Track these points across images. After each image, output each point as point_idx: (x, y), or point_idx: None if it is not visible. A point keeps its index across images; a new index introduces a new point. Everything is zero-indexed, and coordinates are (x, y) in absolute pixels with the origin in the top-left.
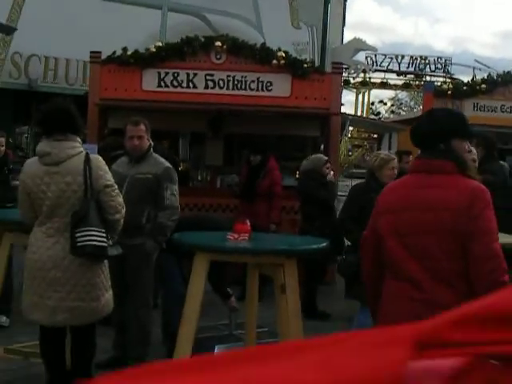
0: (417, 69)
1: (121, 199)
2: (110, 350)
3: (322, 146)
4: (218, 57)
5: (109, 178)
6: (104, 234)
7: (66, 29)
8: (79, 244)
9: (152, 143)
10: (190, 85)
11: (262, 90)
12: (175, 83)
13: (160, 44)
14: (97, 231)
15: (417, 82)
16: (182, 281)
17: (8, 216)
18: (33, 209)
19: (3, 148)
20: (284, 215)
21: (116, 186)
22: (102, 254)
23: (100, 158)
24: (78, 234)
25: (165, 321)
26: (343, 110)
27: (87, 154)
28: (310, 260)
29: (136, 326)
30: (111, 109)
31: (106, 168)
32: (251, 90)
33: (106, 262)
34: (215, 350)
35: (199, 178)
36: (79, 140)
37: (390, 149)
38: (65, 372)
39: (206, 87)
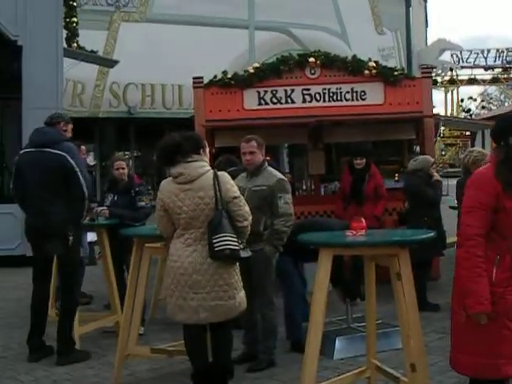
0: (504, 62)
1: (247, 208)
2: (240, 348)
3: (418, 148)
4: (313, 72)
5: (235, 190)
6: (236, 239)
7: (159, 56)
8: (217, 249)
9: (266, 158)
10: (289, 100)
11: (357, 99)
12: (274, 100)
13: (257, 65)
14: (230, 236)
15: (505, 76)
16: (301, 280)
17: (146, 232)
18: (170, 224)
19: (124, 171)
20: (386, 216)
21: (242, 197)
22: (236, 256)
23: (226, 174)
24: (215, 240)
25: (288, 318)
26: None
27: (215, 172)
28: (417, 255)
29: (263, 322)
30: (216, 129)
31: (232, 182)
32: (346, 100)
33: (237, 264)
34: (336, 342)
35: (304, 187)
36: (206, 160)
37: (483, 145)
38: (207, 365)
39: (304, 101)
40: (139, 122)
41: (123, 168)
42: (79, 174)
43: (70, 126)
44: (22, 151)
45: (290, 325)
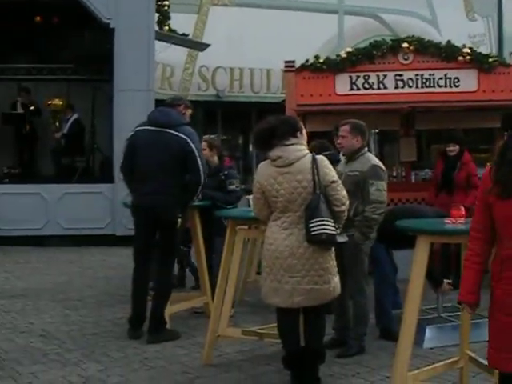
0: None
1: (345, 192)
2: (330, 334)
3: None
4: (406, 57)
5: (333, 174)
6: (333, 224)
7: (247, 40)
8: (313, 233)
9: (366, 144)
10: (381, 86)
11: (450, 86)
12: (366, 85)
13: (350, 49)
14: (327, 221)
15: None
16: (392, 268)
17: (240, 214)
18: (266, 207)
19: (205, 152)
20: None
21: (340, 182)
22: (333, 241)
23: (324, 158)
24: (312, 225)
25: (377, 305)
26: None
27: (313, 156)
28: None
29: (354, 309)
30: (308, 113)
31: (330, 166)
32: (439, 86)
33: (332, 249)
34: (426, 331)
35: (394, 174)
36: (305, 143)
37: None
38: (300, 348)
39: (396, 87)
40: (227, 106)
41: (204, 149)
42: (198, 158)
43: (190, 111)
44: (139, 129)
45: (379, 312)
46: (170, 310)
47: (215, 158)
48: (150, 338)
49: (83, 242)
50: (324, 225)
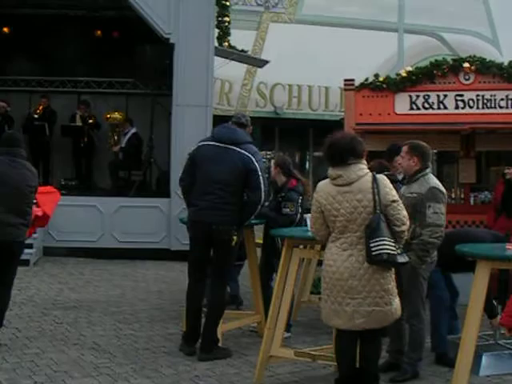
0: None
1: (405, 212)
2: (384, 357)
3: None
4: (467, 77)
5: (394, 193)
6: (394, 244)
7: (306, 57)
8: (374, 253)
9: (427, 166)
10: (441, 106)
11: None
12: (426, 105)
13: (410, 68)
14: (388, 241)
15: None
16: (449, 292)
17: (296, 233)
18: (324, 226)
19: (272, 169)
20: None
21: (400, 201)
22: (394, 261)
23: (385, 177)
24: (373, 244)
25: (433, 330)
26: None
27: (374, 175)
28: None
29: (410, 333)
30: (366, 132)
31: (391, 186)
32: (500, 107)
33: (393, 270)
34: (482, 358)
35: (453, 195)
36: (365, 163)
37: None
38: (355, 370)
39: (456, 107)
40: (284, 123)
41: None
42: (261, 178)
43: (250, 128)
44: (202, 143)
45: (435, 337)
46: (222, 327)
47: (281, 177)
48: (201, 356)
49: (137, 255)
50: (385, 244)
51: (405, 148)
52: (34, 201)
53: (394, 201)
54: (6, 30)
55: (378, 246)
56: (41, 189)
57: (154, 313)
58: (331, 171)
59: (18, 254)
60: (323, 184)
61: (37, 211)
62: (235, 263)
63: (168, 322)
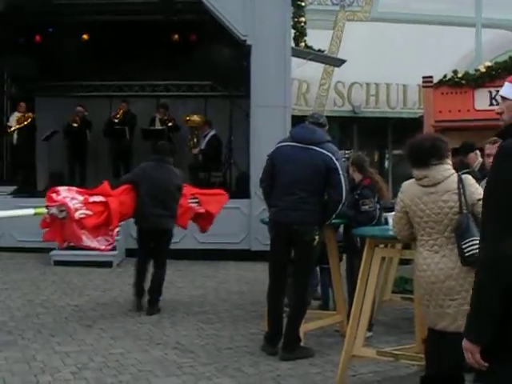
0: None
1: None
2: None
3: None
4: None
5: (480, 192)
6: None
7: (383, 55)
8: (468, 254)
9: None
10: None
11: None
12: None
13: (489, 64)
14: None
15: None
16: None
17: (378, 232)
18: (408, 226)
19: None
20: None
21: None
22: None
23: (470, 176)
24: (465, 245)
25: None
26: None
27: (459, 175)
28: None
29: None
30: (446, 129)
31: (477, 185)
32: None
33: None
34: None
35: None
36: (449, 163)
37: None
38: (443, 371)
39: None
40: (363, 122)
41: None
42: (342, 176)
43: (326, 128)
44: (282, 144)
45: None
46: (304, 327)
47: (357, 175)
48: (283, 355)
49: (218, 256)
50: (476, 244)
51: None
52: (196, 200)
53: (479, 199)
54: (85, 36)
55: (470, 246)
56: (207, 191)
57: (236, 313)
58: (416, 172)
59: (166, 239)
60: (408, 184)
61: (198, 209)
62: (324, 266)
63: (250, 321)
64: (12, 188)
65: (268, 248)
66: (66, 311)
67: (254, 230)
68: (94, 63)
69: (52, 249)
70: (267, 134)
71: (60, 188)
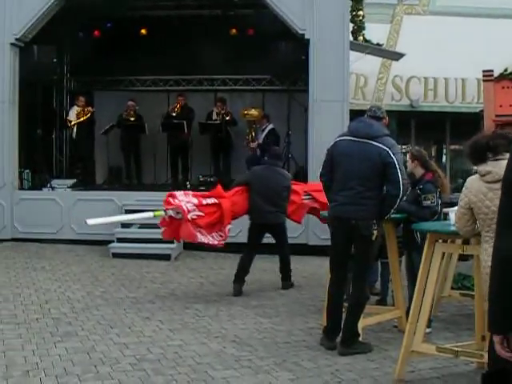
0: None
1: None
2: None
3: None
4: None
5: None
6: None
7: (441, 49)
8: None
9: None
10: None
11: None
12: None
13: None
14: None
15: None
16: None
17: (439, 228)
18: (471, 222)
19: (409, 163)
20: None
21: None
22: None
23: None
24: None
25: None
26: None
27: None
28: None
29: None
30: (506, 124)
31: None
32: None
33: None
34: None
35: None
36: None
37: None
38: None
39: None
40: (420, 116)
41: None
42: (399, 171)
43: (386, 120)
44: (340, 139)
45: None
46: (363, 322)
47: (418, 170)
48: (341, 350)
49: (275, 250)
50: None
51: None
52: (309, 196)
53: None
54: (143, 31)
55: None
56: (314, 185)
57: (294, 307)
58: (480, 167)
59: (279, 231)
60: (473, 180)
61: (312, 204)
62: (383, 260)
63: (308, 316)
64: (71, 181)
65: (325, 242)
66: (124, 303)
67: (311, 224)
68: (152, 58)
69: (110, 241)
70: (325, 128)
71: (177, 192)
